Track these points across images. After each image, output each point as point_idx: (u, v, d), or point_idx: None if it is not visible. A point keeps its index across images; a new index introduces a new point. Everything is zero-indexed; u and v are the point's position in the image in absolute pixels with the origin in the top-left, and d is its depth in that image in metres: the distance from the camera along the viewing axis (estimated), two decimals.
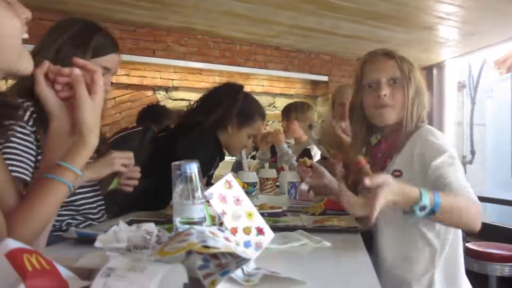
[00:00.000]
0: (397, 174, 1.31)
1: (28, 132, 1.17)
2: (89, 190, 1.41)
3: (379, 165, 1.41)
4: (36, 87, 0.86)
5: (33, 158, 1.16)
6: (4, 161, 0.94)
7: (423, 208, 0.98)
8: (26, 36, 0.81)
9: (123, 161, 1.39)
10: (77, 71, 0.85)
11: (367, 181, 0.92)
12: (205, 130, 1.90)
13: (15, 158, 1.12)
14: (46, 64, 0.87)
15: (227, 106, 1.93)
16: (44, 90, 0.86)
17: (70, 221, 1.35)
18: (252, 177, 2.14)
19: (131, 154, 1.43)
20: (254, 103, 2.08)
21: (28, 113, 1.18)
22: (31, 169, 1.15)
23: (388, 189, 0.92)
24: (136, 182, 1.48)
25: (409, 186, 1.00)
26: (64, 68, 0.86)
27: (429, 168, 1.19)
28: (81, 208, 1.38)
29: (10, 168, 0.98)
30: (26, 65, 0.82)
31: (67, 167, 0.84)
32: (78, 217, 1.37)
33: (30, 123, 1.17)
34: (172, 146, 1.80)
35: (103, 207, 1.48)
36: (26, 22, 0.81)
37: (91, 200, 1.41)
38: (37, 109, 1.17)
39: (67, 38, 1.25)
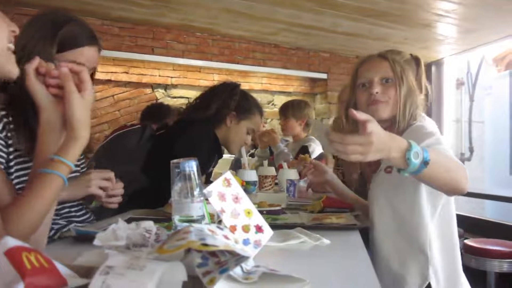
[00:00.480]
0: (389, 171, 1.32)
1: None
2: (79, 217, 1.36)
3: (375, 164, 1.42)
4: (26, 81, 0.88)
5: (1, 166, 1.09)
6: None
7: (416, 156, 0.98)
8: (12, 47, 0.87)
9: (101, 183, 1.30)
10: (64, 69, 0.88)
11: (353, 111, 0.95)
12: (204, 127, 1.91)
13: None
14: (37, 59, 0.90)
15: (224, 98, 1.95)
16: (34, 84, 0.89)
17: (52, 225, 1.26)
18: (253, 175, 2.14)
19: (110, 174, 1.34)
20: (252, 98, 2.10)
21: None
22: None
23: (376, 124, 0.95)
24: (119, 199, 1.40)
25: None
26: (53, 70, 0.89)
27: None
28: (62, 212, 1.33)
29: None
30: (13, 69, 0.87)
31: (60, 160, 0.86)
32: (60, 222, 1.32)
33: None
34: (170, 143, 1.80)
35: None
36: (13, 36, 0.87)
37: (72, 203, 1.36)
38: (17, 108, 1.10)
39: (34, 32, 1.16)
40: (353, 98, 1.48)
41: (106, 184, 1.32)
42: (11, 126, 1.11)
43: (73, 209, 1.37)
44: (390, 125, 1.40)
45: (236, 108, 1.97)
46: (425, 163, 0.99)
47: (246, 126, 2.02)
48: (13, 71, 0.87)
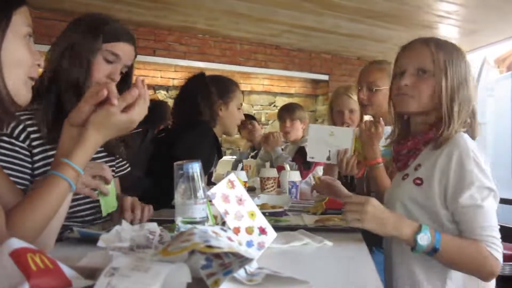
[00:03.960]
0: (418, 183, 1.17)
1: (17, 148, 1.14)
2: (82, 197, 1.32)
3: (402, 162, 1.27)
4: (83, 100, 0.89)
5: (25, 176, 1.14)
6: None
7: (424, 239, 1.01)
8: (34, 75, 0.89)
9: (90, 183, 1.15)
10: (136, 92, 0.89)
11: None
12: (204, 129, 1.92)
13: None
14: (105, 94, 0.88)
15: (205, 99, 1.95)
16: (86, 106, 0.88)
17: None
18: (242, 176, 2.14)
19: (103, 172, 1.19)
20: (222, 77, 2.13)
21: (20, 128, 1.15)
22: (22, 185, 1.12)
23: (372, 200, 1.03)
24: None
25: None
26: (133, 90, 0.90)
27: (455, 205, 1.08)
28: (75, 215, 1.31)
29: None
30: (25, 95, 0.87)
31: (67, 163, 0.86)
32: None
33: (21, 138, 1.15)
34: (171, 146, 1.81)
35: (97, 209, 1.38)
36: (36, 68, 0.89)
37: (85, 206, 1.34)
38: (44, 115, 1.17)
39: (80, 31, 1.25)
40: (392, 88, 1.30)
41: (96, 185, 1.17)
42: (36, 134, 1.17)
43: (87, 212, 1.34)
44: (427, 125, 1.21)
45: (218, 96, 1.99)
46: (434, 250, 1.01)
47: (235, 106, 2.05)
48: (26, 97, 0.88)
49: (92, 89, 0.90)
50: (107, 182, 1.21)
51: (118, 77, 1.30)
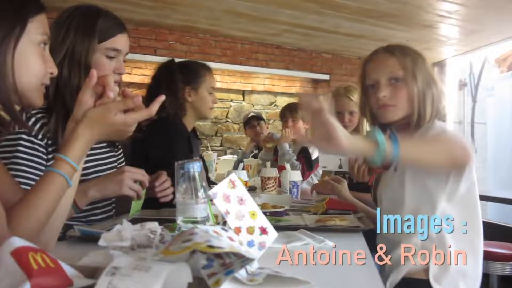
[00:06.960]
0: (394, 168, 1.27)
1: (36, 146, 1.15)
2: (100, 209, 1.35)
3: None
4: (80, 94, 0.89)
5: (41, 173, 1.13)
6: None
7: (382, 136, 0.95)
8: (47, 82, 0.89)
9: (133, 186, 1.26)
10: (139, 98, 0.90)
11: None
12: (174, 127, 1.89)
13: (20, 175, 1.10)
14: (94, 74, 0.90)
15: (167, 89, 1.86)
16: (85, 96, 0.88)
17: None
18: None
19: (143, 178, 1.29)
20: (190, 63, 2.09)
21: (37, 126, 1.16)
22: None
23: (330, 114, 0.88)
24: (171, 191, 1.41)
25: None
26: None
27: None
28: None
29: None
30: (37, 100, 0.88)
31: (61, 158, 0.85)
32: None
33: (39, 137, 1.16)
34: (146, 147, 1.79)
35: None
36: (50, 76, 0.90)
37: (101, 217, 1.36)
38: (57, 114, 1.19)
39: (74, 33, 1.22)
40: (364, 99, 1.35)
41: (137, 188, 1.27)
42: (50, 133, 1.17)
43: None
44: (407, 123, 1.27)
45: (185, 83, 1.95)
46: (394, 141, 0.96)
47: (205, 90, 1.99)
48: (39, 103, 0.89)
49: (87, 79, 0.89)
50: (143, 186, 1.30)
51: (124, 70, 1.30)
